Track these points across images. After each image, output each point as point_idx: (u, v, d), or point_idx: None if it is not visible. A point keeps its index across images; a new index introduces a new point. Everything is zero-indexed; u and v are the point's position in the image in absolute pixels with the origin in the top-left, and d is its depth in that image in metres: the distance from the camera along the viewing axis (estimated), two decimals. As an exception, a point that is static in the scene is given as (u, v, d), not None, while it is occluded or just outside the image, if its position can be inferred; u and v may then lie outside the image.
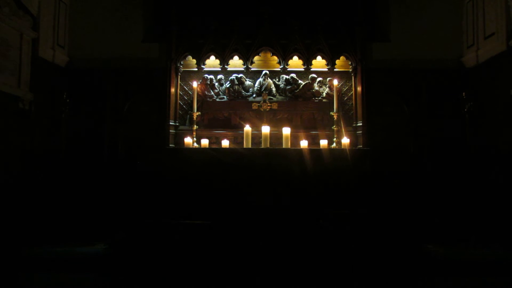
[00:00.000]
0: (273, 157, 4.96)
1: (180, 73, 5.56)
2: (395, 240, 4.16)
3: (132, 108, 5.58)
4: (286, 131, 5.12)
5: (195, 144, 5.28)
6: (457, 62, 5.53)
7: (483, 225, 4.72)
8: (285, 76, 5.68)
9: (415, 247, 4.15)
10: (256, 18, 5.45)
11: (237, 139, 5.49)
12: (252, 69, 5.56)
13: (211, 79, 5.67)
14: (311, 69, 5.51)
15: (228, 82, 5.67)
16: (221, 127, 5.58)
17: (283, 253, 3.95)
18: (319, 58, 5.47)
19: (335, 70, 5.51)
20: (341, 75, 5.62)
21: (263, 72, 5.66)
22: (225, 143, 5.25)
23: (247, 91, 5.70)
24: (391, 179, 5.08)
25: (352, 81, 5.57)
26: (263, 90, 5.60)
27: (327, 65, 5.45)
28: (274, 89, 5.67)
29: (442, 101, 5.47)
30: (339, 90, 5.55)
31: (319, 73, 5.65)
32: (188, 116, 5.59)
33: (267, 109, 5.32)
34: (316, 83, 5.67)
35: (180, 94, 5.60)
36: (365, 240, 4.12)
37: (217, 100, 5.68)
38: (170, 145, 5.34)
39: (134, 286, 3.53)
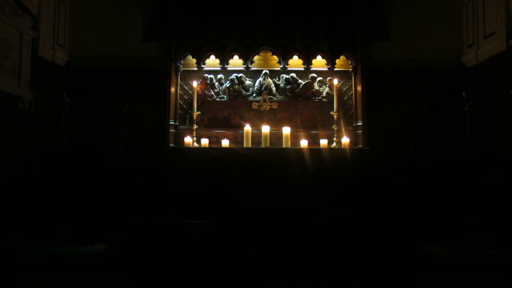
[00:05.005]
0: (273, 156, 4.96)
1: (180, 72, 5.56)
2: (394, 240, 4.17)
3: (132, 108, 5.58)
4: (286, 130, 5.12)
5: (195, 144, 5.28)
6: (457, 62, 5.53)
7: (483, 224, 4.72)
8: (285, 76, 5.68)
9: (415, 247, 4.15)
10: (256, 18, 5.45)
11: (237, 138, 5.49)
12: (252, 69, 5.56)
13: (211, 79, 5.67)
14: (311, 69, 5.50)
15: (228, 82, 5.67)
16: (221, 127, 5.58)
17: (283, 252, 3.96)
18: (319, 57, 5.47)
19: (335, 69, 5.51)
20: (341, 74, 5.62)
21: (263, 72, 5.66)
22: (225, 142, 5.25)
23: (247, 90, 5.70)
24: (391, 179, 5.08)
25: (352, 81, 5.57)
26: (263, 90, 5.59)
27: (327, 64, 5.45)
28: (274, 89, 5.67)
29: (442, 101, 5.47)
30: (339, 90, 5.54)
31: (319, 73, 5.65)
32: (188, 115, 5.59)
33: (267, 109, 5.31)
34: (316, 82, 5.67)
35: (180, 93, 5.60)
36: (365, 239, 4.12)
37: (217, 99, 5.68)
38: (170, 144, 5.34)
39: (134, 286, 3.53)
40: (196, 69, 5.55)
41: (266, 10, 5.41)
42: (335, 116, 5.30)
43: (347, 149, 5.05)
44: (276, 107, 5.46)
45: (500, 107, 4.79)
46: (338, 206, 4.60)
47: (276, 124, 5.40)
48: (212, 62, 5.56)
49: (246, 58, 5.42)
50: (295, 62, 5.51)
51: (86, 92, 5.51)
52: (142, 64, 5.59)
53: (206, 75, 5.66)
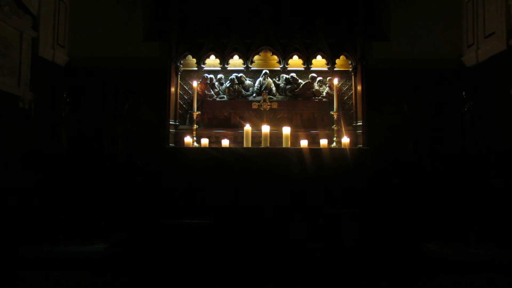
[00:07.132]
0: (273, 156, 4.96)
1: (180, 72, 5.56)
2: (395, 240, 4.17)
3: (132, 107, 5.59)
4: (286, 130, 5.12)
5: (195, 144, 5.28)
6: (457, 61, 5.53)
7: (483, 224, 4.72)
8: (285, 76, 5.68)
9: (415, 247, 4.15)
10: (256, 17, 5.45)
11: (237, 138, 5.49)
12: (252, 69, 5.56)
13: (211, 79, 5.67)
14: (311, 69, 5.50)
15: (228, 82, 5.67)
16: (221, 127, 5.58)
17: (283, 252, 3.96)
18: (319, 57, 5.47)
19: (335, 69, 5.50)
20: (341, 74, 5.62)
21: (263, 72, 5.65)
22: (225, 142, 5.25)
23: (247, 90, 5.70)
24: (391, 179, 5.08)
25: (352, 80, 5.57)
26: (263, 90, 5.59)
27: (327, 64, 5.45)
28: (274, 89, 5.66)
29: (442, 101, 5.47)
30: (339, 90, 5.54)
31: (319, 73, 5.65)
32: (188, 115, 5.59)
33: (267, 109, 5.31)
34: (316, 82, 5.67)
35: (180, 93, 5.60)
36: (365, 239, 4.12)
37: (217, 99, 5.68)
38: (170, 144, 5.34)
39: (134, 286, 3.53)
40: (196, 69, 5.55)
41: (266, 10, 5.42)
42: (335, 116, 5.29)
43: (347, 149, 5.05)
44: (276, 107, 5.46)
45: (500, 107, 4.79)
46: (338, 206, 4.60)
47: (276, 124, 5.39)
48: (212, 62, 5.56)
49: (246, 58, 5.42)
50: (295, 62, 5.51)
51: (86, 92, 5.52)
52: (142, 64, 5.59)
53: (206, 75, 5.66)
